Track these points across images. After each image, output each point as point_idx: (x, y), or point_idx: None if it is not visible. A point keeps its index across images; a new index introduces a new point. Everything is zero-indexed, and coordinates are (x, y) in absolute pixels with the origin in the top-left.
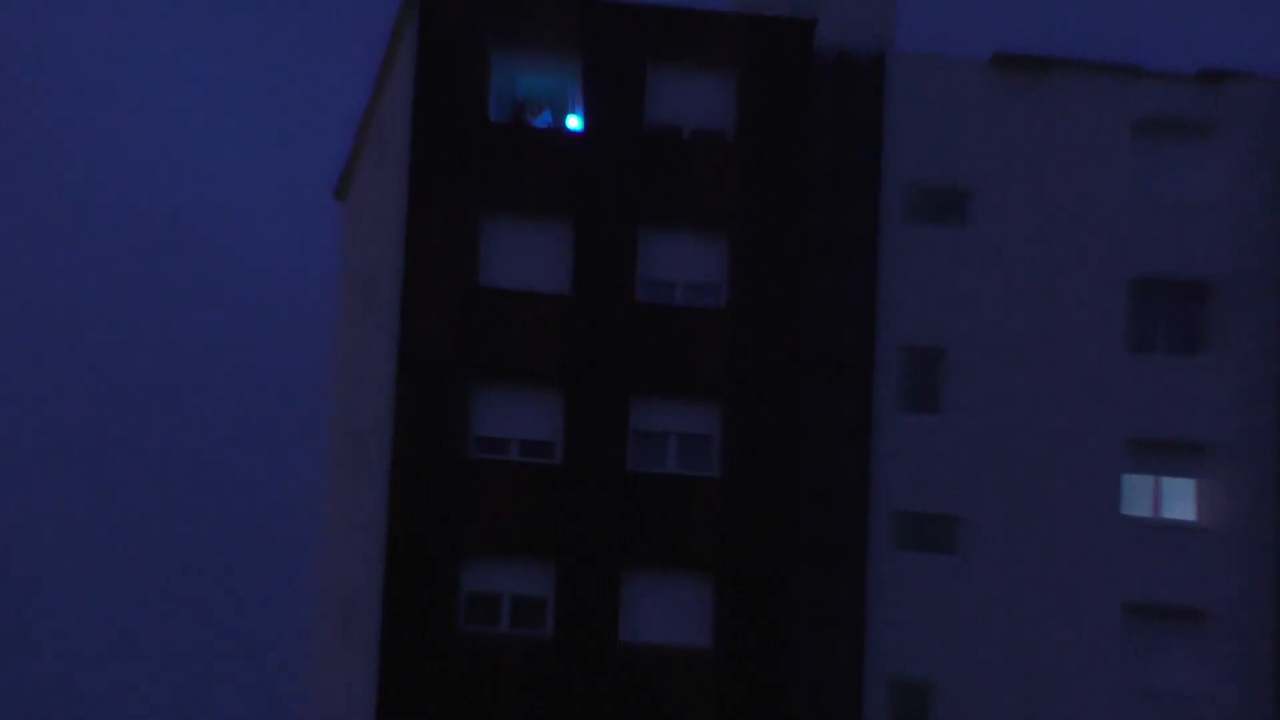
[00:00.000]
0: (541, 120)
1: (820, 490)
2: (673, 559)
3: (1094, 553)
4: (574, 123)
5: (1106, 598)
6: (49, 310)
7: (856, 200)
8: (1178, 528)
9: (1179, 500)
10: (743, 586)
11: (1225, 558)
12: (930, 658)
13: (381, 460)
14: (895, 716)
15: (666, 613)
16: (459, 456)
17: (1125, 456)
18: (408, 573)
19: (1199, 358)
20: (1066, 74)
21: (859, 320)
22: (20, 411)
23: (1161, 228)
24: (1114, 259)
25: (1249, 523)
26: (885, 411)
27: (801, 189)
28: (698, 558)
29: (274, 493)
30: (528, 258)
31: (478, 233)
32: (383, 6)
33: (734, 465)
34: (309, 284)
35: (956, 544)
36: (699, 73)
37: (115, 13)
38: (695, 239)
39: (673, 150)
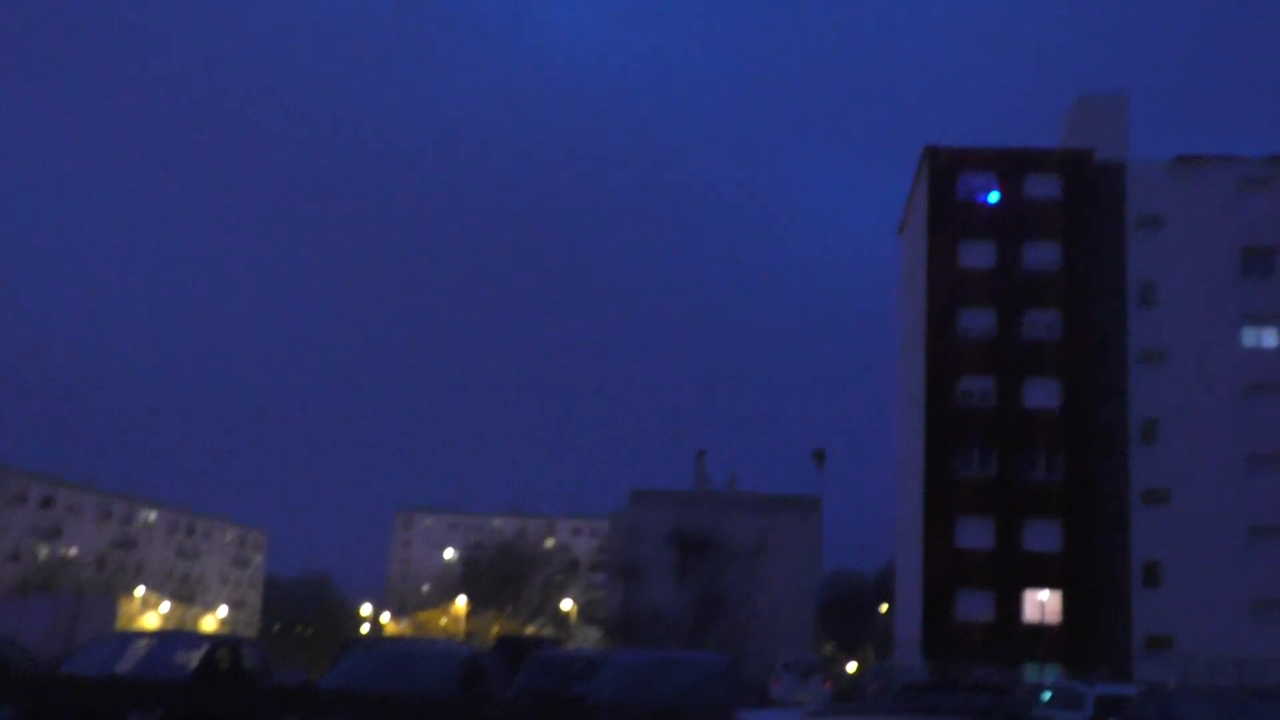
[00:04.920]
0: (981, 197)
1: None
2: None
3: (1233, 358)
4: (993, 198)
5: (1234, 379)
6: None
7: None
8: (1270, 349)
9: (1268, 338)
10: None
11: None
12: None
13: (920, 358)
14: None
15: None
16: (955, 342)
17: (1244, 320)
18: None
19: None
20: (1207, 162)
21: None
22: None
23: (1262, 230)
24: (1234, 237)
25: None
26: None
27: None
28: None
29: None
30: (975, 252)
31: (957, 245)
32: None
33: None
34: (887, 274)
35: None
36: (1040, 174)
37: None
38: (1036, 241)
39: (1031, 208)
